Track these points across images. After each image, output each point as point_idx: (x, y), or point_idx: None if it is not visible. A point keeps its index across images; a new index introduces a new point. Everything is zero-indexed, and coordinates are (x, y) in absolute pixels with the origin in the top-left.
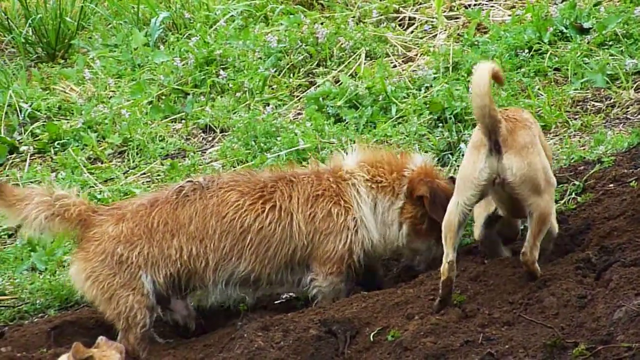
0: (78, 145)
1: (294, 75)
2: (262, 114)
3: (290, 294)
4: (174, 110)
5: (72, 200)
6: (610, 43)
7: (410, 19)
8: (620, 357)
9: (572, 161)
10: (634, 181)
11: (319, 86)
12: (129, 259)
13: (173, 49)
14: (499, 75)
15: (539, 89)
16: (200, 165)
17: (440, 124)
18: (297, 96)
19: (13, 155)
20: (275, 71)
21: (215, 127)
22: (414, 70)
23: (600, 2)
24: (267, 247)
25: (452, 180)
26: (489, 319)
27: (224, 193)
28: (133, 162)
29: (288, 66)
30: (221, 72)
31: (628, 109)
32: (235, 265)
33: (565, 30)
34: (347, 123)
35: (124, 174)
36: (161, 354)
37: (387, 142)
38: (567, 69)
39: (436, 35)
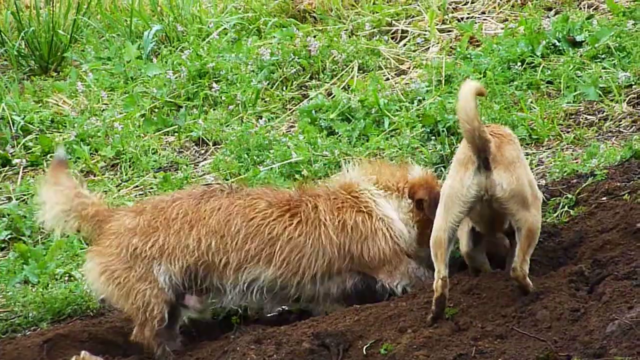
0: (71, 158)
1: (286, 88)
2: (254, 127)
3: (284, 307)
4: (166, 123)
5: (91, 200)
6: (603, 56)
7: (402, 32)
8: None
9: (564, 174)
10: (626, 194)
11: (311, 99)
12: (143, 251)
13: (166, 62)
14: (482, 91)
15: (531, 102)
16: (193, 178)
17: (433, 137)
18: (290, 109)
19: (6, 168)
20: (268, 84)
21: (208, 139)
22: (406, 83)
23: (592, 15)
24: (300, 256)
25: None
26: (481, 332)
27: (252, 200)
28: (126, 175)
29: (281, 79)
30: (214, 85)
31: (621, 122)
32: (263, 269)
33: (558, 44)
34: (339, 136)
35: (116, 186)
36: None
37: (380, 155)
38: (560, 82)
39: (429, 48)
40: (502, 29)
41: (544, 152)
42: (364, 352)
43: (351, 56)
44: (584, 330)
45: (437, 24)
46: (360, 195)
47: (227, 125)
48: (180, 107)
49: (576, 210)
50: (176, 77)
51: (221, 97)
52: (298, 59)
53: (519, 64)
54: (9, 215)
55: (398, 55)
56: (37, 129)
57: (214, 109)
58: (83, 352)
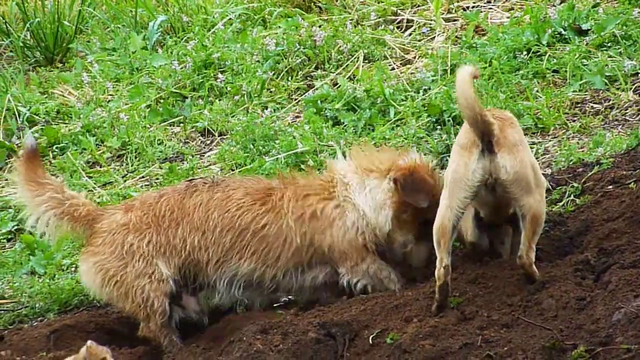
0: (77, 149)
1: (292, 78)
2: (260, 117)
3: (289, 296)
4: (172, 113)
5: (81, 200)
6: (609, 45)
7: (408, 21)
8: (619, 359)
9: (570, 163)
10: (633, 183)
11: (317, 89)
12: (140, 247)
13: (171, 53)
14: (476, 74)
15: (537, 91)
16: (199, 168)
17: (439, 127)
18: (296, 99)
19: (12, 159)
20: (274, 74)
21: (214, 130)
22: (412, 73)
23: (598, 3)
24: (267, 248)
25: None
26: (487, 321)
27: (230, 190)
28: (132, 165)
29: (286, 69)
30: (219, 75)
31: (627, 111)
32: (237, 264)
33: (563, 32)
34: (345, 126)
35: (122, 177)
36: (159, 356)
37: (385, 144)
38: (566, 71)
39: (434, 37)
40: (508, 17)
41: (550, 141)
42: (370, 342)
43: (356, 46)
44: (590, 318)
45: (443, 13)
46: (332, 182)
47: (233, 116)
48: (186, 97)
49: (582, 199)
50: (181, 68)
51: (226, 88)
52: (303, 49)
53: (525, 52)
54: (15, 206)
55: (403, 44)
56: (43, 120)
57: (219, 100)
58: (89, 342)
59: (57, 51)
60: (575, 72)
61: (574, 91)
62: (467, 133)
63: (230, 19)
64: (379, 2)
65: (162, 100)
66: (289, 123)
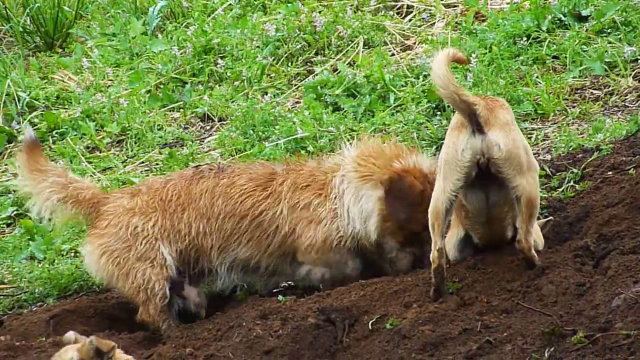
0: (76, 135)
1: (292, 64)
2: (260, 103)
3: (289, 282)
4: (172, 99)
5: (85, 184)
6: (609, 31)
7: (408, 7)
8: (618, 345)
9: (570, 149)
10: (632, 169)
11: (317, 75)
12: (145, 229)
13: (171, 38)
14: (460, 57)
15: (537, 77)
16: (199, 154)
17: (439, 113)
18: (295, 85)
19: (12, 145)
20: (273, 60)
21: (214, 116)
22: (412, 59)
23: None
24: (261, 234)
25: None
26: (487, 307)
27: (235, 176)
28: (131, 151)
29: (286, 55)
30: (219, 61)
31: (626, 97)
32: (236, 250)
33: (563, 18)
34: (345, 112)
35: (122, 163)
36: (158, 342)
37: (385, 130)
38: (566, 57)
39: (434, 23)
40: (508, 3)
41: (550, 127)
42: (370, 327)
43: (356, 32)
44: (590, 304)
45: None
46: (331, 182)
47: (233, 101)
48: (186, 83)
49: (582, 184)
50: (181, 53)
51: (226, 73)
52: (303, 34)
53: (525, 38)
54: (14, 191)
55: (403, 30)
56: (43, 105)
57: (219, 85)
58: (71, 332)
59: (57, 36)
60: (575, 58)
61: (573, 77)
62: (457, 115)
63: (230, 4)
64: None
65: (162, 86)
66: (288, 109)
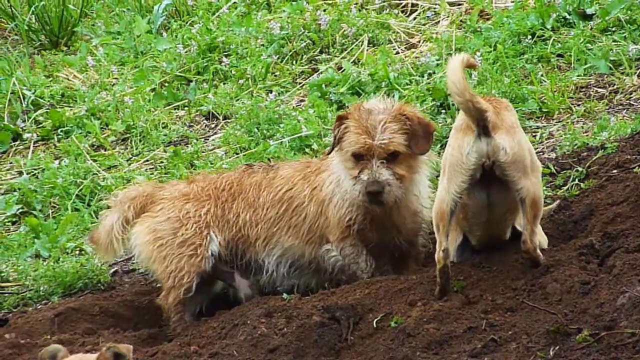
0: (81, 133)
1: (296, 62)
2: (264, 101)
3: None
4: (176, 97)
5: (136, 191)
6: (614, 29)
7: (412, 5)
8: (623, 343)
9: (575, 147)
10: (637, 167)
11: (321, 73)
12: (196, 215)
13: (176, 36)
14: (472, 62)
15: (542, 75)
16: (203, 152)
17: (443, 111)
18: (300, 83)
19: (17, 143)
20: (278, 58)
21: (218, 114)
22: (416, 57)
23: None
24: (305, 222)
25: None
26: (492, 305)
27: (281, 169)
28: (136, 149)
29: (291, 53)
30: (224, 59)
31: (631, 95)
32: (281, 239)
33: (568, 17)
34: None
35: (127, 161)
36: (162, 340)
37: None
38: (571, 55)
39: (439, 21)
40: (513, 2)
41: (555, 125)
42: (374, 325)
43: (361, 30)
44: (595, 303)
45: None
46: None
47: (237, 100)
48: (190, 81)
49: (586, 183)
50: (186, 52)
51: (231, 71)
52: (308, 32)
53: (530, 37)
54: (19, 189)
55: (408, 28)
56: (48, 103)
57: (224, 83)
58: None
59: (62, 34)
60: (580, 57)
61: (578, 75)
62: (462, 116)
63: (234, 2)
64: None
65: (166, 84)
66: (293, 107)
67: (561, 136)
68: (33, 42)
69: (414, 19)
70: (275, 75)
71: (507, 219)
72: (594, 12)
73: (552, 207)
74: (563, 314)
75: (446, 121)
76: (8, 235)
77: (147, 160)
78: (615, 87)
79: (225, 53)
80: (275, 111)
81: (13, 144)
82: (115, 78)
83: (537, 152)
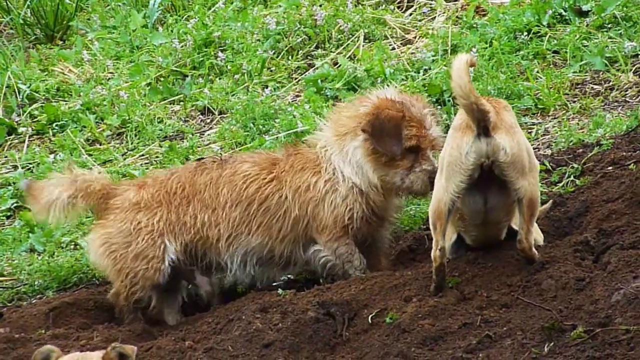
0: (76, 127)
1: (292, 57)
2: (260, 96)
3: (289, 275)
4: (172, 92)
5: (93, 175)
6: (609, 26)
7: (408, 1)
8: (618, 340)
9: (570, 144)
10: (632, 164)
11: (317, 68)
12: (148, 225)
13: (171, 31)
14: (474, 62)
15: (537, 72)
16: (199, 147)
17: (439, 107)
18: (296, 78)
19: (11, 137)
20: (274, 53)
21: (214, 109)
22: (412, 53)
23: None
24: (270, 218)
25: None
26: (487, 302)
27: (239, 164)
28: (131, 143)
29: (286, 48)
30: (220, 54)
31: (627, 92)
32: (247, 238)
33: (564, 13)
34: None
35: (122, 155)
36: (157, 335)
37: None
38: (566, 52)
39: (435, 17)
40: None
41: (550, 121)
42: (369, 321)
43: (357, 25)
44: (589, 299)
45: None
46: (319, 157)
47: (233, 95)
48: (186, 76)
49: (582, 179)
50: (182, 46)
51: (227, 66)
52: (304, 28)
53: (525, 33)
54: (14, 183)
55: (404, 24)
56: (43, 97)
57: (219, 78)
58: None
59: (58, 29)
60: (576, 53)
61: (574, 72)
62: (461, 115)
63: None
64: None
65: (162, 79)
66: (289, 102)
67: (556, 133)
68: (28, 36)
69: (410, 14)
70: (271, 71)
71: (504, 221)
72: (589, 9)
73: (546, 207)
74: (558, 311)
75: (442, 117)
76: (3, 229)
77: (143, 155)
78: (610, 83)
79: (221, 48)
80: (271, 106)
81: (8, 138)
82: (111, 72)
83: (532, 149)
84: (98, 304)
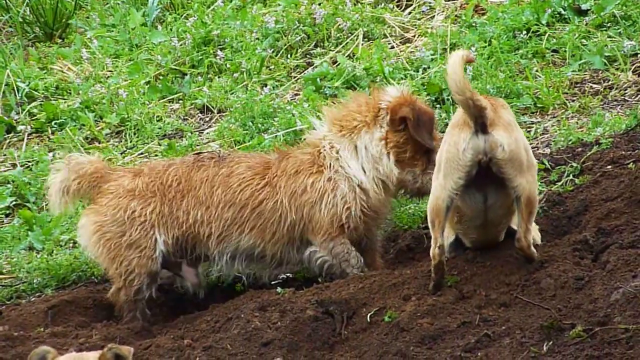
0: (75, 125)
1: (291, 56)
2: (259, 95)
3: (288, 274)
4: (171, 90)
5: (87, 159)
6: (609, 25)
7: (407, 0)
8: (617, 339)
9: (569, 143)
10: (631, 163)
11: (316, 67)
12: (142, 215)
13: (171, 29)
14: (471, 58)
15: (536, 71)
16: (198, 145)
17: (438, 105)
18: (295, 77)
19: (10, 135)
20: (273, 52)
21: (213, 107)
22: (411, 52)
23: None
24: (265, 221)
25: None
26: (485, 300)
27: (235, 165)
28: (130, 142)
29: (285, 47)
30: (219, 52)
31: (626, 91)
32: (238, 239)
33: (563, 12)
34: None
35: (121, 154)
36: (156, 333)
37: None
38: (565, 51)
39: (434, 16)
40: None
41: (549, 120)
42: (368, 320)
43: (356, 24)
44: (588, 298)
45: None
46: (320, 154)
47: (232, 93)
48: (185, 74)
49: (581, 178)
50: (181, 45)
51: (226, 65)
52: (303, 26)
53: (525, 32)
54: (13, 181)
55: (403, 23)
56: (42, 95)
57: (218, 77)
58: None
59: (57, 27)
60: (575, 52)
61: (573, 71)
62: (459, 112)
63: None
64: None
65: (161, 77)
66: (288, 101)
67: (556, 132)
68: (27, 34)
69: (409, 13)
70: (270, 69)
71: (503, 222)
72: (589, 8)
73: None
74: (557, 310)
75: (441, 116)
76: (2, 227)
77: (142, 153)
78: (610, 82)
79: (220, 46)
80: (270, 105)
81: (7, 136)
82: (110, 71)
83: (531, 148)
84: (97, 302)
